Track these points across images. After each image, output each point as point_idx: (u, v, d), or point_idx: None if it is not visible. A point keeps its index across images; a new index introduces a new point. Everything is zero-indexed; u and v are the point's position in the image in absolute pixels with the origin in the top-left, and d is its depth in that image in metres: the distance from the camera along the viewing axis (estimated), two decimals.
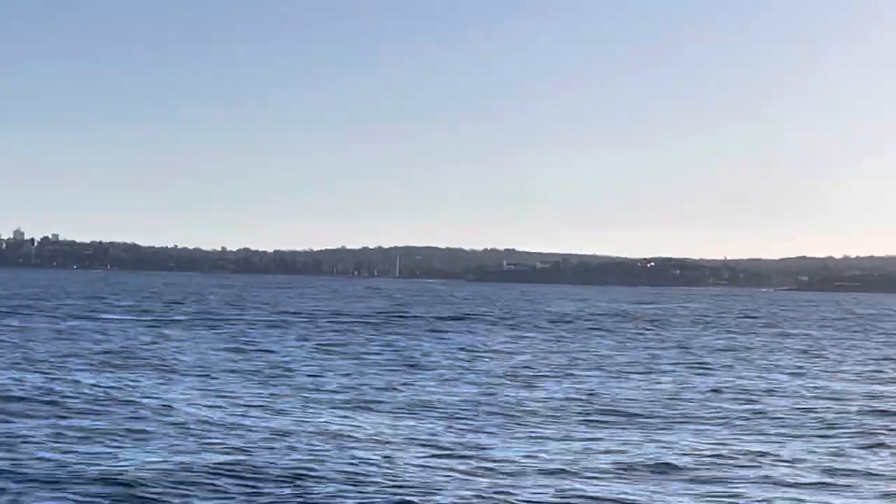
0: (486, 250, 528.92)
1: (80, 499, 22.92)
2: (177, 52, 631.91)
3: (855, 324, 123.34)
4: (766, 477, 26.33)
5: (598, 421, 35.69)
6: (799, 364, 61.40)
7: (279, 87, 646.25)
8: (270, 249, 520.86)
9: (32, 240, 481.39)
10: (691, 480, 25.82)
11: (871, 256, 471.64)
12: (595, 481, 25.30)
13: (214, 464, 25.90)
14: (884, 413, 39.07)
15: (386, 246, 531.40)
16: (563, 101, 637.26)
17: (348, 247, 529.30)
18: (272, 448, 28.22)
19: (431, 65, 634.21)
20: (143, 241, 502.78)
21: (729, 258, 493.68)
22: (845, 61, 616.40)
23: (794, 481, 25.84)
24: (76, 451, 27.53)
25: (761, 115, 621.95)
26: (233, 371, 49.06)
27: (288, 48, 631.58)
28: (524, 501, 23.31)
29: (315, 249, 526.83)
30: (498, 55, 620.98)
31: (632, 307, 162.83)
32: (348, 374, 48.81)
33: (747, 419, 36.68)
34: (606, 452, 29.11)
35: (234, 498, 23.12)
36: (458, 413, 36.56)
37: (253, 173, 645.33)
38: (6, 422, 31.97)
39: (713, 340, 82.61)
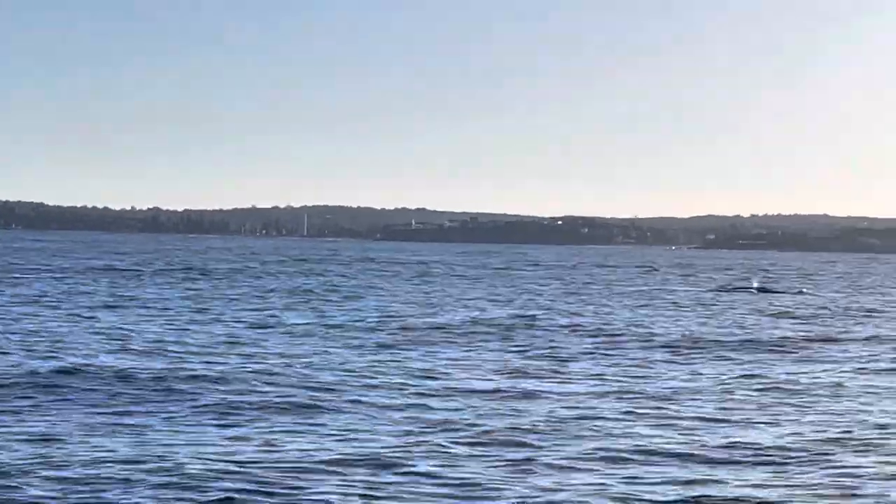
0: (396, 209, 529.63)
1: None
2: (90, 5, 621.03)
3: None
4: None
5: None
6: None
7: (192, 41, 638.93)
8: (181, 208, 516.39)
9: None
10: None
11: (779, 214, 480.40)
12: None
13: None
14: None
15: (296, 205, 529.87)
16: (474, 59, 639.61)
17: (259, 206, 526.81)
18: None
19: (344, 22, 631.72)
20: (49, 200, 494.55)
21: (639, 216, 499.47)
22: (752, 7, 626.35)
23: None
24: None
25: (670, 71, 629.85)
26: None
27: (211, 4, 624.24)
28: None
29: (226, 209, 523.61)
30: (404, 9, 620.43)
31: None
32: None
33: None
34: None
35: None
36: None
37: (165, 129, 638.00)
38: None
39: None
